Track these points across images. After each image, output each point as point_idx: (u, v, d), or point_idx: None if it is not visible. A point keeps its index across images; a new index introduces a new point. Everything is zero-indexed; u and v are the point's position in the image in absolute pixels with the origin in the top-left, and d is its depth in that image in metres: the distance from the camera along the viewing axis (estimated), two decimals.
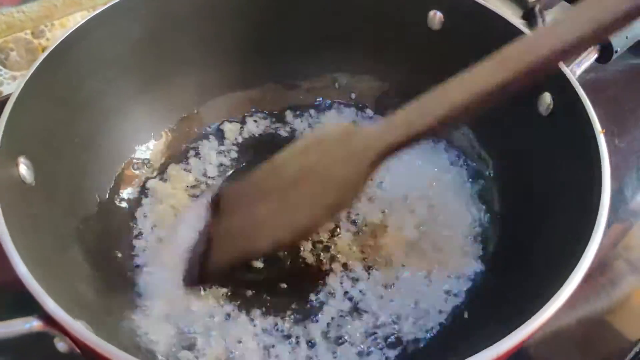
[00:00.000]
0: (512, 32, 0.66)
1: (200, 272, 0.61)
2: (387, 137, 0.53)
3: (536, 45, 0.48)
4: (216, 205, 0.63)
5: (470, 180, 0.74)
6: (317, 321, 0.63)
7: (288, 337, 0.62)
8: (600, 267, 0.70)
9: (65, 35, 0.62)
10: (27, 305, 0.43)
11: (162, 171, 0.75)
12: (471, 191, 0.73)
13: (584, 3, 0.48)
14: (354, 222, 0.71)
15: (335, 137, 0.57)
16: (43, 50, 0.88)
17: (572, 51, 0.49)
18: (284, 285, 0.66)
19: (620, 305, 0.69)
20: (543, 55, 0.47)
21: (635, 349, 0.65)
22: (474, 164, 0.75)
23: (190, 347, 0.60)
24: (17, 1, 0.84)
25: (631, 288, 0.71)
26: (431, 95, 0.52)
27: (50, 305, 0.41)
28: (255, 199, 0.60)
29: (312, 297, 0.64)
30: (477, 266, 0.67)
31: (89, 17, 0.65)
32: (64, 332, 0.42)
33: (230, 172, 0.76)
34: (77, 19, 0.89)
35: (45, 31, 0.87)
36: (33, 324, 0.41)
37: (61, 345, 0.43)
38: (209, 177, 0.75)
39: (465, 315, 0.63)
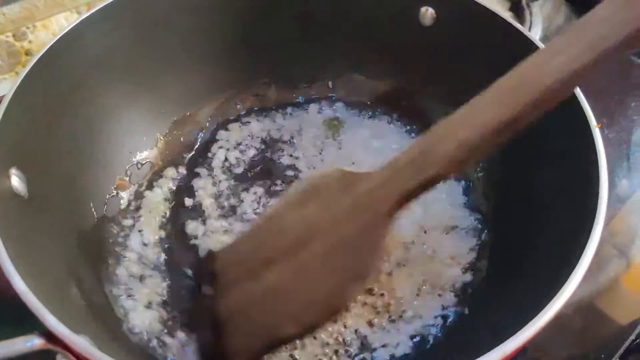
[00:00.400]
0: (503, 27, 0.67)
1: None
2: (398, 183, 0.48)
3: (547, 68, 0.45)
4: (210, 271, 0.55)
5: (464, 180, 0.74)
6: None
7: None
8: None
9: (54, 41, 0.61)
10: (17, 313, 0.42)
11: (158, 176, 0.75)
12: (466, 191, 0.73)
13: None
14: None
15: (333, 186, 0.51)
16: (26, 53, 0.86)
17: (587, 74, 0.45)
18: None
19: (609, 290, 0.70)
20: (557, 79, 0.44)
21: (631, 337, 0.66)
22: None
23: None
24: None
25: (618, 272, 0.71)
26: (432, 135, 0.47)
27: (51, 321, 0.40)
28: (259, 263, 0.52)
29: None
30: (477, 266, 0.67)
31: (77, 22, 0.63)
32: (67, 349, 0.41)
33: (227, 175, 0.76)
34: (59, 20, 0.88)
35: (27, 33, 0.86)
36: (34, 342, 0.41)
37: None
38: (206, 180, 0.75)
39: (466, 312, 0.63)
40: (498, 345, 0.41)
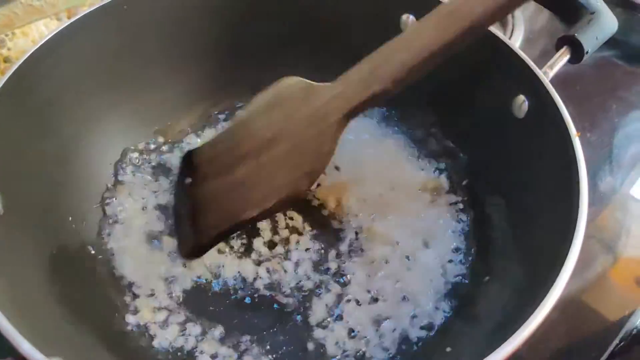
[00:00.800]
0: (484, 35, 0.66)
1: (195, 245, 0.63)
2: (349, 98, 0.56)
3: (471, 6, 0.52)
4: (190, 165, 0.66)
5: (449, 184, 0.74)
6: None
7: None
8: None
9: (33, 50, 0.60)
10: None
11: (140, 187, 0.73)
12: (450, 195, 0.73)
13: None
14: None
15: (296, 96, 0.60)
16: (5, 60, 0.85)
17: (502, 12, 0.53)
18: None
19: (596, 285, 0.71)
20: (479, 14, 0.51)
21: (615, 341, 0.66)
22: (453, 169, 0.75)
23: None
24: None
25: (605, 267, 0.72)
26: (382, 53, 0.56)
27: (25, 347, 0.40)
28: (232, 160, 0.62)
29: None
30: (460, 271, 0.67)
31: (55, 32, 0.63)
32: None
33: None
34: (39, 27, 0.87)
35: (5, 40, 0.85)
36: None
37: None
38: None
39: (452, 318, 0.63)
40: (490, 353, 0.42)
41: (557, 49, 0.64)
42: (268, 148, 0.60)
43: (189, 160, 0.67)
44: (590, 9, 0.64)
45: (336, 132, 0.57)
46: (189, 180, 0.65)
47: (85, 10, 0.66)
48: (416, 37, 0.54)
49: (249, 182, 0.60)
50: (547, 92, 0.59)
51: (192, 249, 0.64)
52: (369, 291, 0.65)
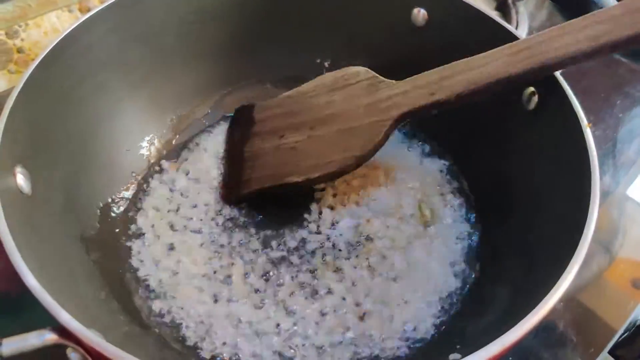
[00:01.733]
0: (493, 27, 0.67)
1: (236, 194, 0.69)
2: (413, 98, 0.59)
3: (551, 45, 0.54)
4: (242, 118, 0.72)
5: (457, 178, 0.75)
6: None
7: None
8: None
9: (56, 41, 0.61)
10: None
11: (158, 172, 0.75)
12: (460, 189, 0.74)
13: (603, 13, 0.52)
14: None
15: (361, 85, 0.64)
16: (18, 50, 0.86)
17: (582, 58, 0.53)
18: None
19: (593, 285, 0.71)
20: (558, 54, 0.53)
21: (620, 332, 0.67)
22: (462, 162, 0.76)
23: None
24: None
25: (602, 267, 0.73)
26: (452, 68, 0.58)
27: (65, 317, 0.41)
28: (287, 125, 0.67)
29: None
30: (467, 266, 0.67)
31: (78, 23, 0.64)
32: (78, 343, 0.42)
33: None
34: (51, 19, 0.88)
35: (19, 31, 0.86)
36: (47, 336, 0.41)
37: (74, 355, 0.43)
38: (204, 175, 0.75)
39: (457, 314, 0.64)
40: (487, 343, 0.42)
41: None
42: (324, 124, 0.64)
43: (243, 113, 0.72)
44: (600, 4, 0.64)
45: (391, 126, 0.60)
46: (241, 130, 0.72)
47: (103, 3, 0.67)
48: (488, 62, 0.57)
49: (300, 149, 0.65)
50: (558, 83, 0.59)
51: (233, 197, 0.69)
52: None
